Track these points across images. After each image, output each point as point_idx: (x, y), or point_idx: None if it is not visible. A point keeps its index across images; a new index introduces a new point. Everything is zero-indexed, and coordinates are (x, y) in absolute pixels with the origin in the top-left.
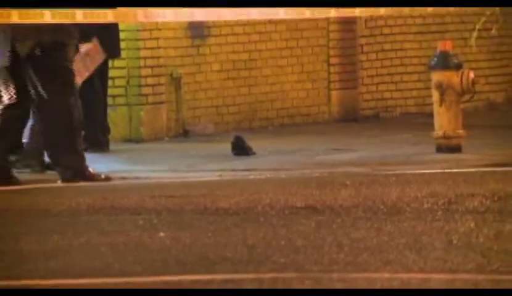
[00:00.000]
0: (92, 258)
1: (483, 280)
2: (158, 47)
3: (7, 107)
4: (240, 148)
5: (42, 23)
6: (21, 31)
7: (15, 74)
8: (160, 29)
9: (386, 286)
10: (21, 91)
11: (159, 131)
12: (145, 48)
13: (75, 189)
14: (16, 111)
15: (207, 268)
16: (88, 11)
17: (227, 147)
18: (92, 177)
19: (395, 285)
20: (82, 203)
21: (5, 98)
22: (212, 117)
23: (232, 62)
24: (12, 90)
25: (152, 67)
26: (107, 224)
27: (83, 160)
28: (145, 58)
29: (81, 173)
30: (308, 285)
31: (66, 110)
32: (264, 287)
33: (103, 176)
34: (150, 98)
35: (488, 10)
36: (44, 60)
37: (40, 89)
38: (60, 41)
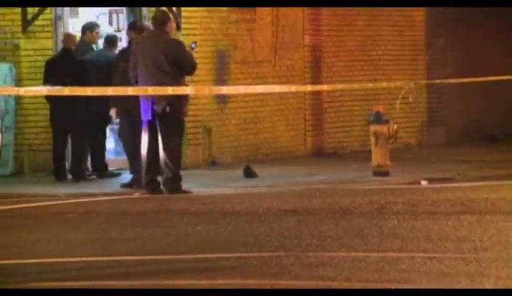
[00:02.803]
0: (155, 242)
1: (403, 257)
2: (197, 109)
3: (152, 146)
4: (249, 173)
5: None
6: (158, 97)
7: (152, 123)
8: (198, 98)
9: (342, 261)
10: (155, 134)
11: (198, 162)
12: (189, 110)
13: (144, 198)
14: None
15: (228, 249)
16: (176, 87)
17: (240, 172)
18: (183, 191)
19: (348, 260)
20: (149, 207)
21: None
22: (231, 153)
23: (243, 118)
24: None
25: (193, 121)
26: (164, 221)
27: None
28: (189, 116)
29: (178, 188)
30: (292, 260)
31: (179, 148)
32: (264, 261)
33: (187, 189)
34: (192, 141)
35: (406, 86)
36: (170, 115)
37: (165, 134)
38: (180, 103)
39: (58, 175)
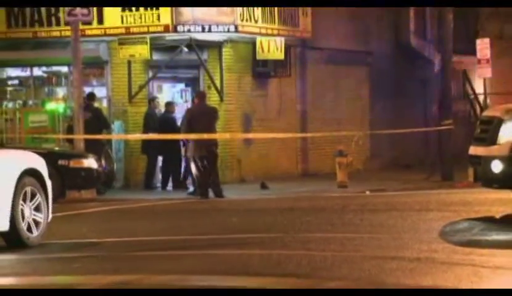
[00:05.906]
0: (205, 227)
1: (356, 236)
2: (232, 148)
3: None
4: (263, 186)
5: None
6: (213, 141)
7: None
8: (234, 141)
9: (319, 239)
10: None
11: (232, 179)
12: (226, 148)
13: (201, 202)
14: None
15: (250, 231)
16: (208, 133)
17: (258, 186)
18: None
19: (323, 238)
20: (203, 207)
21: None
22: (253, 174)
23: (260, 153)
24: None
25: (230, 155)
26: (212, 215)
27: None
28: (227, 151)
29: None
30: (289, 238)
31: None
32: (272, 239)
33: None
34: (229, 167)
35: (357, 134)
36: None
37: (213, 163)
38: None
39: (150, 187)
